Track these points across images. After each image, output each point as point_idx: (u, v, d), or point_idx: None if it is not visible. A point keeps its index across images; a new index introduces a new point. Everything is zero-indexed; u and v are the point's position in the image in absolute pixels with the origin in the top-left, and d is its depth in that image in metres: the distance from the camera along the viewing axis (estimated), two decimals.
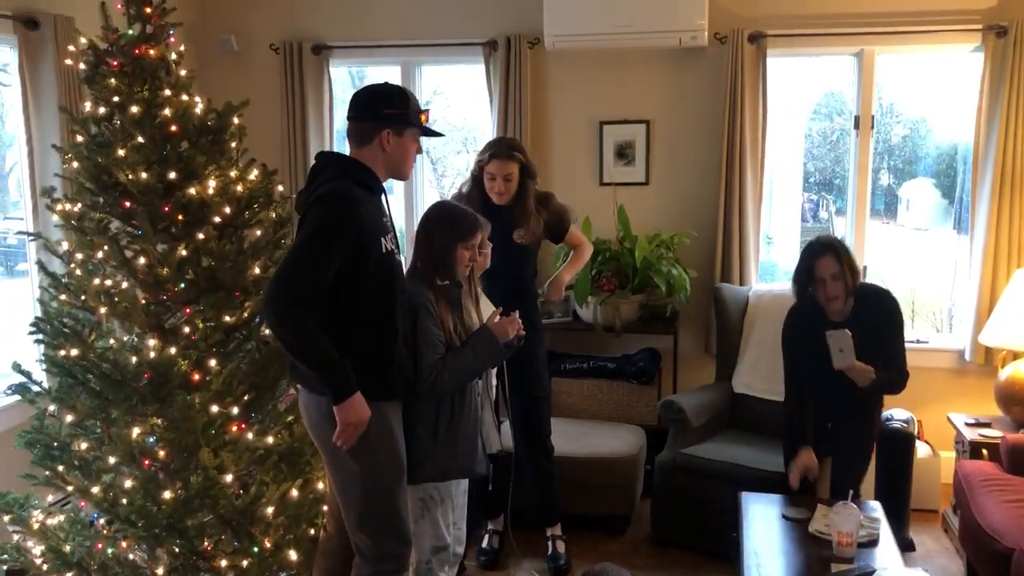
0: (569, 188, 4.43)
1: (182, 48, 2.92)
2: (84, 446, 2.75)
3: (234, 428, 2.74)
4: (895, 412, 3.84)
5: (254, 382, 2.83)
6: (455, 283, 2.78)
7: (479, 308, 2.91)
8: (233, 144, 2.92)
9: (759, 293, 4.27)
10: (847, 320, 3.16)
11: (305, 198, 2.44)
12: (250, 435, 2.77)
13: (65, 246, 2.83)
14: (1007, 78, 4.05)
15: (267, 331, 2.80)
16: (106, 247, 2.72)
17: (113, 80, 2.74)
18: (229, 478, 2.65)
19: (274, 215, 2.97)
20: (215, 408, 2.69)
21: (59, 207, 2.77)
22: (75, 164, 2.76)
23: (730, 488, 3.31)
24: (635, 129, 4.61)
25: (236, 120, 2.90)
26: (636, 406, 4.35)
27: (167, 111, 2.75)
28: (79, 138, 2.80)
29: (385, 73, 5.07)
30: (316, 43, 4.74)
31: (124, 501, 2.62)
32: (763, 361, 4.03)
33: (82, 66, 2.78)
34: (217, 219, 2.79)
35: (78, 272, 2.78)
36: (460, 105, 5.23)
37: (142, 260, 2.71)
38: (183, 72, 2.88)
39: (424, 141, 2.65)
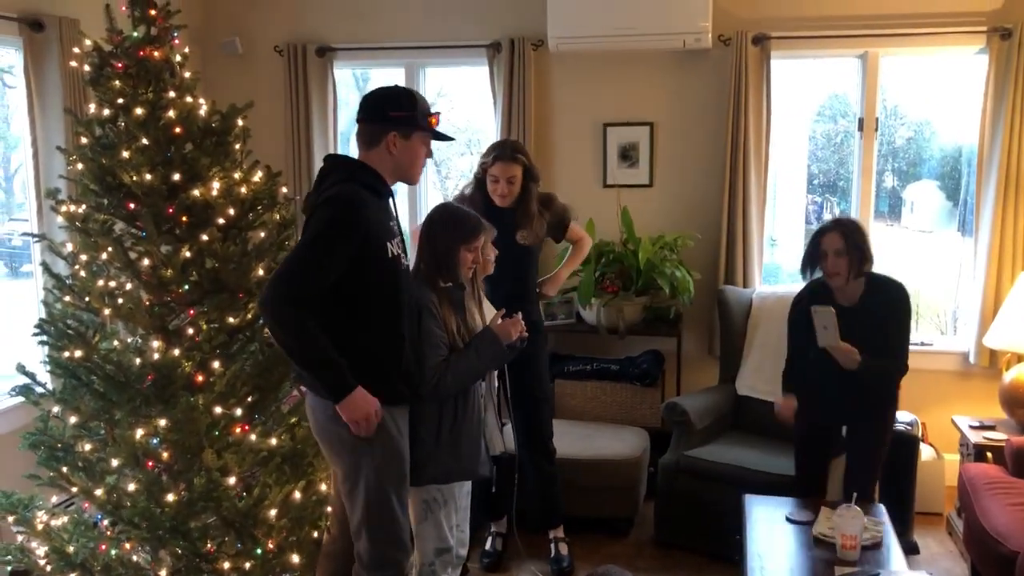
0: (573, 190, 4.43)
1: (186, 50, 2.92)
2: (88, 447, 2.75)
3: (237, 430, 2.74)
4: (899, 415, 3.82)
5: (257, 384, 2.83)
6: (458, 285, 2.78)
7: (482, 310, 2.91)
8: (237, 146, 2.93)
9: (763, 295, 4.26)
10: (856, 306, 3.12)
11: (312, 201, 2.44)
12: (253, 437, 2.78)
13: (69, 247, 2.83)
14: (1012, 80, 4.04)
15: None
16: (110, 248, 2.72)
17: (117, 82, 2.75)
18: (232, 480, 2.66)
19: (278, 217, 2.98)
20: (218, 410, 2.69)
21: (63, 208, 2.78)
22: (79, 166, 2.77)
23: (734, 490, 3.31)
24: (639, 131, 4.60)
25: (240, 122, 2.91)
26: (639, 408, 4.34)
27: (171, 113, 2.75)
28: (83, 140, 2.80)
29: (389, 75, 5.08)
30: (320, 45, 4.75)
31: (128, 503, 2.63)
32: (767, 363, 4.01)
33: (87, 68, 2.78)
34: (221, 221, 2.79)
35: (82, 273, 2.79)
36: (464, 107, 5.23)
37: (146, 262, 2.71)
38: (187, 74, 2.89)
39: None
